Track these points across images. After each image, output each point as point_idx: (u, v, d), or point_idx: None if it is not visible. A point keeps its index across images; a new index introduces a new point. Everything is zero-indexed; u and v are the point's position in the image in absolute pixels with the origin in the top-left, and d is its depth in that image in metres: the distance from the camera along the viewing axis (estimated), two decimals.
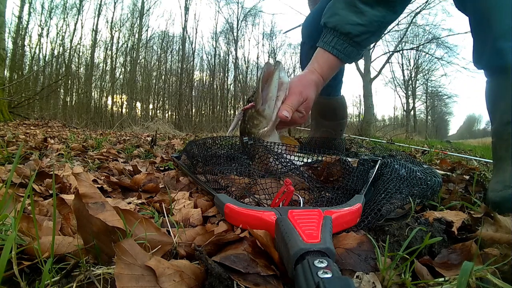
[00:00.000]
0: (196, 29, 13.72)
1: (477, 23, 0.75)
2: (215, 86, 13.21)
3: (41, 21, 10.63)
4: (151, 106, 12.52)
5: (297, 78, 0.83)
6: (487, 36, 0.71)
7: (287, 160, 0.69)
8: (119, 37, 12.01)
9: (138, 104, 12.17)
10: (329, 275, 0.26)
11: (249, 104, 0.79)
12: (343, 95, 1.38)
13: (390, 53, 12.09)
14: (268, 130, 0.77)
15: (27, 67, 10.36)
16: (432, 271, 0.37)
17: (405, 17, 11.15)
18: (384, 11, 0.77)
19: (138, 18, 12.11)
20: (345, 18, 0.78)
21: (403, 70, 15.39)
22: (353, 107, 16.37)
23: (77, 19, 11.24)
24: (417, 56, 14.90)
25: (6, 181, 0.38)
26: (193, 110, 13.00)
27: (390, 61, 12.67)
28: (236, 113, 0.83)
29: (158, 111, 12.52)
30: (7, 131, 2.81)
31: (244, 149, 0.79)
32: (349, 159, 0.70)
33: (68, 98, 11.18)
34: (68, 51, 10.98)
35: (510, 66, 0.67)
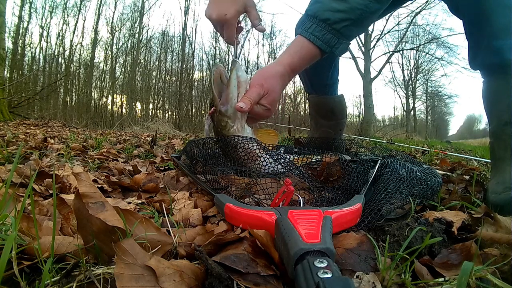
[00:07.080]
0: (196, 29, 13.71)
1: (472, 24, 0.77)
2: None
3: (41, 21, 10.65)
4: (151, 106, 12.51)
5: (260, 70, 0.81)
6: (482, 36, 0.72)
7: (285, 159, 0.69)
8: (119, 37, 12.03)
9: (138, 104, 12.18)
10: (329, 275, 0.26)
11: (212, 108, 0.78)
12: (342, 94, 1.36)
13: (390, 53, 12.09)
14: (236, 128, 0.76)
15: (27, 67, 10.36)
16: (432, 271, 0.37)
17: (405, 17, 11.17)
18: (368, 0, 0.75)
19: (139, 18, 12.12)
20: (325, 5, 0.76)
21: (403, 70, 15.40)
22: (353, 107, 16.41)
23: (77, 18, 11.26)
24: (417, 56, 14.91)
25: (6, 181, 0.38)
26: (193, 110, 12.99)
27: (390, 61, 12.67)
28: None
29: (158, 111, 12.52)
30: (7, 131, 2.81)
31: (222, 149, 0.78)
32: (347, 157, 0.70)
33: (68, 98, 11.16)
34: (68, 51, 10.99)
35: (506, 64, 0.68)
